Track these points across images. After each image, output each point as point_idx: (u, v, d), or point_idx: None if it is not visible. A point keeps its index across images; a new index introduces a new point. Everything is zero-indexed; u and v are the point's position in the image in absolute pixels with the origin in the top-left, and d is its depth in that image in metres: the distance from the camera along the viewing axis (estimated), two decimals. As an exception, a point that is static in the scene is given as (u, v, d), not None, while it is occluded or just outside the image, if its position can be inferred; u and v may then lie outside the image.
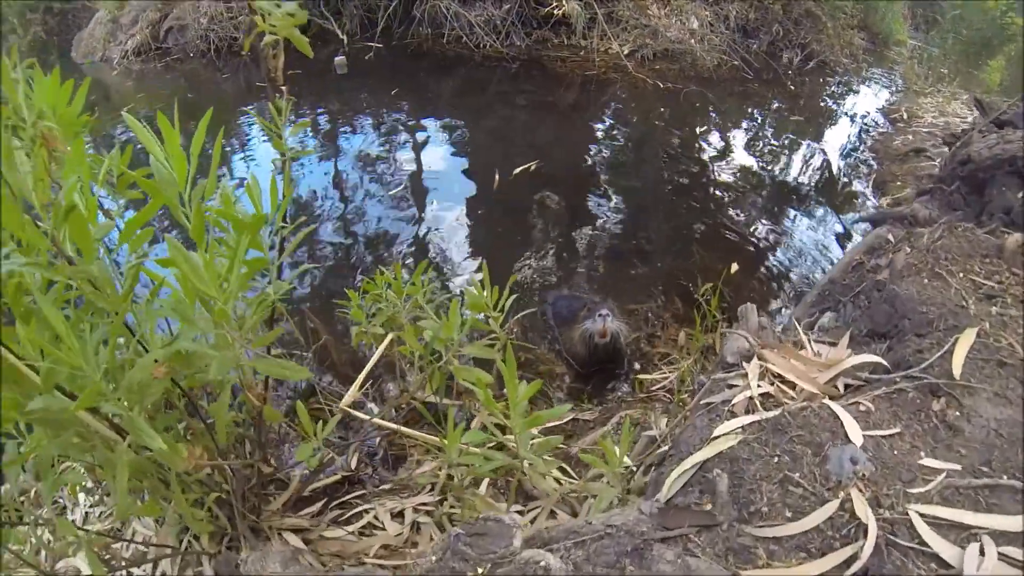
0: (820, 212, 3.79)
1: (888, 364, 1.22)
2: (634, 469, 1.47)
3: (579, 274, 3.43)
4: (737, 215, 3.84)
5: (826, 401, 1.14)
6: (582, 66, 6.43)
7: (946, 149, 4.20)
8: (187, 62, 6.66)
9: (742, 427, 1.13)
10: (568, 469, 1.77)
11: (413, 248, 3.50)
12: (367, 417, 1.75)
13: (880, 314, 1.33)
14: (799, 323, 2.11)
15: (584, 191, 4.16)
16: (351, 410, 1.83)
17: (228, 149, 4.80)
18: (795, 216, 3.78)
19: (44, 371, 0.81)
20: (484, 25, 6.53)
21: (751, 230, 3.68)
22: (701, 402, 1.24)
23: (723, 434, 1.12)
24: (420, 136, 4.88)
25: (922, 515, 0.96)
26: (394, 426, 1.76)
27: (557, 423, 2.19)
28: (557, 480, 1.67)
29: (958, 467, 1.01)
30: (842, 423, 1.08)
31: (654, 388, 2.46)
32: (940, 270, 1.31)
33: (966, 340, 1.13)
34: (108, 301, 0.92)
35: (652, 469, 1.28)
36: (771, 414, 1.14)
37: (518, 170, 4.19)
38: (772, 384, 1.24)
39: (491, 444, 1.36)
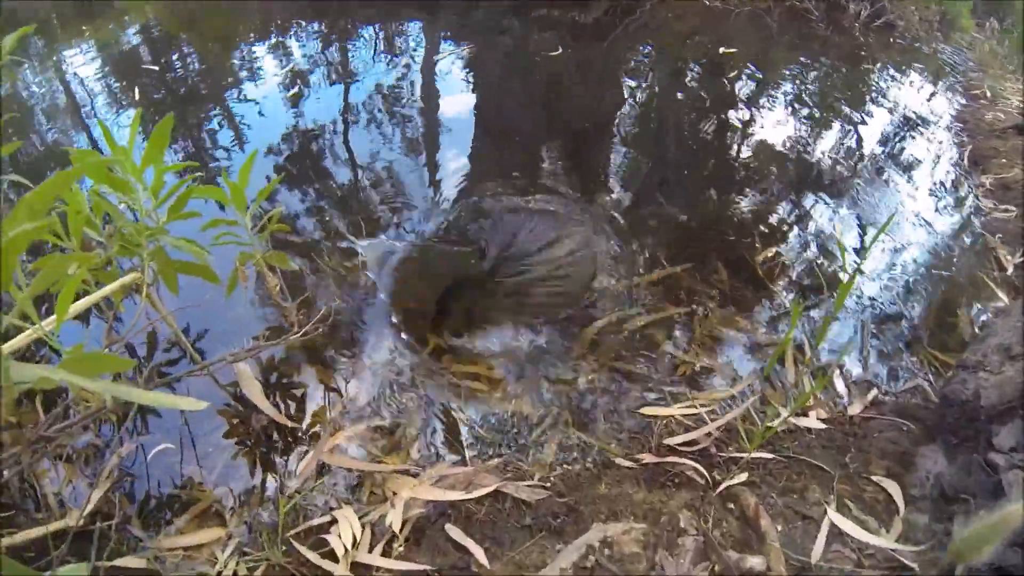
0: (908, 179, 2.90)
1: None
2: None
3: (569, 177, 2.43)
4: (796, 172, 2.91)
5: None
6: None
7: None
8: None
9: None
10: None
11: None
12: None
13: None
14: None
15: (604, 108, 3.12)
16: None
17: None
18: (876, 177, 2.88)
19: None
20: None
21: (813, 191, 2.76)
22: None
23: None
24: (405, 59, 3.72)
25: None
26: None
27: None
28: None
29: None
30: None
31: (674, 443, 1.37)
32: None
33: None
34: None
35: None
36: None
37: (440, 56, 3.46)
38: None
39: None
